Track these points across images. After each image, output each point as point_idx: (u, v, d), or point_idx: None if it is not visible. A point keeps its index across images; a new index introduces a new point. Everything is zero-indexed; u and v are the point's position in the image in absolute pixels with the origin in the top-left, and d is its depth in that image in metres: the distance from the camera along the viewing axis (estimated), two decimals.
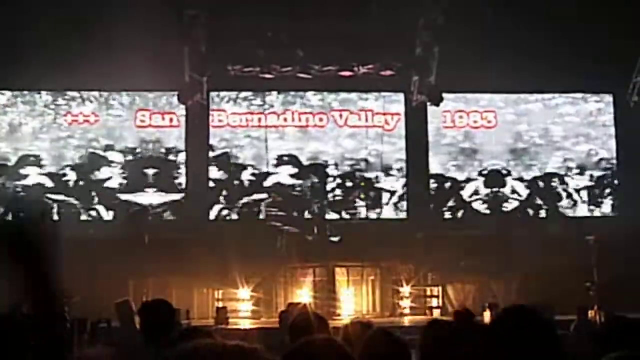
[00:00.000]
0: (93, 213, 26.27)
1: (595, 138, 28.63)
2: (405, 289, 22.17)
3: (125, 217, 25.63)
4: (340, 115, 27.75)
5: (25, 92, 26.83)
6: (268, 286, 22.03)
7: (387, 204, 27.32)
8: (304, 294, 21.58)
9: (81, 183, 26.56)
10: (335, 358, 2.42)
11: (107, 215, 26.23)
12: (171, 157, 27.09)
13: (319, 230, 24.47)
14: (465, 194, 27.73)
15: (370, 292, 21.96)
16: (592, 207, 28.11)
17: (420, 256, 22.72)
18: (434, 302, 22.47)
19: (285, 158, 27.27)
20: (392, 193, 27.46)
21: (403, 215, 27.16)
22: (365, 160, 27.46)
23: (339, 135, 27.68)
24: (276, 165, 27.21)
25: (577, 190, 28.19)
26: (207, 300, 20.21)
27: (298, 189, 27.02)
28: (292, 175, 27.15)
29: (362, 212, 26.87)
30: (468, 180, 27.84)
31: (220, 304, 20.25)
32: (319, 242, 23.51)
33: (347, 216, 26.69)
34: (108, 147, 26.88)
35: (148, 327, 6.05)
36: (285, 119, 27.55)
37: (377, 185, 27.38)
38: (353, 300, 21.57)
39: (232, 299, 21.44)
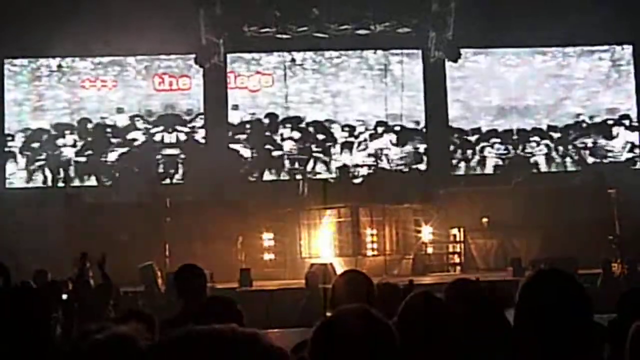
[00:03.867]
0: (115, 178, 26.36)
1: (615, 90, 28.43)
2: (427, 229, 22.24)
3: (146, 182, 25.70)
4: (358, 73, 27.76)
5: (43, 59, 26.86)
6: (291, 229, 22.11)
7: (407, 158, 27.36)
8: (327, 235, 21.77)
9: (101, 148, 26.66)
10: (371, 331, 2.42)
11: (130, 181, 26.30)
12: (190, 119, 27.12)
13: (342, 173, 24.60)
14: (486, 148, 27.70)
15: (393, 232, 22.00)
16: (613, 160, 27.96)
17: (442, 212, 22.67)
18: (456, 259, 22.44)
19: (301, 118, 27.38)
20: (415, 149, 27.49)
21: (423, 167, 27.23)
22: (385, 116, 27.45)
23: (358, 92, 27.67)
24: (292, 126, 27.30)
25: (597, 143, 28.06)
26: (230, 263, 20.23)
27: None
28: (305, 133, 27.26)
29: (384, 163, 26.99)
30: (488, 134, 27.78)
31: (244, 266, 20.31)
32: (341, 185, 23.60)
33: (370, 164, 26.97)
34: (125, 112, 26.93)
35: (182, 291, 6.12)
36: (302, 79, 27.54)
37: (395, 140, 27.40)
38: (376, 241, 21.63)
39: (256, 256, 21.51)
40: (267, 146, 27.14)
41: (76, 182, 26.13)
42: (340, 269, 19.61)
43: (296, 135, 27.27)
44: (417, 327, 3.36)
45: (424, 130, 27.53)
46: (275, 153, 27.15)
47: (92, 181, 26.34)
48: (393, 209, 22.20)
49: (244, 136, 27.13)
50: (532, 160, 27.71)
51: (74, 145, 26.65)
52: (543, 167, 27.73)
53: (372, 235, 21.67)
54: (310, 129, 27.37)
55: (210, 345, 1.59)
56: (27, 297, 4.32)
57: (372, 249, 21.58)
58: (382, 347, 2.40)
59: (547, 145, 27.92)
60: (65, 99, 26.88)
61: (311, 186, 23.48)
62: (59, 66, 26.95)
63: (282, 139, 27.24)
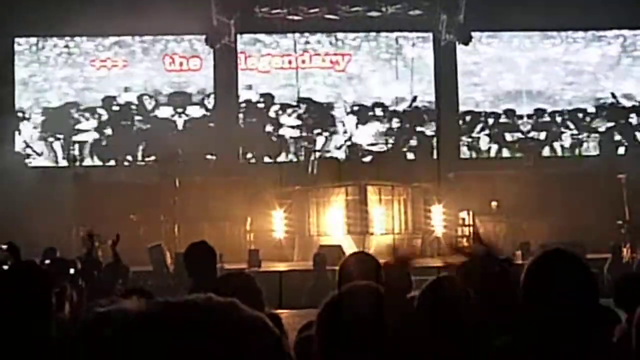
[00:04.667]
0: (125, 158, 26.41)
1: (628, 75, 28.32)
2: (438, 208, 22.28)
3: (155, 162, 25.73)
4: (373, 55, 27.76)
5: (53, 38, 26.88)
6: (300, 207, 22.15)
7: (417, 144, 27.35)
8: (336, 213, 21.79)
9: (110, 128, 26.71)
10: (378, 307, 2.41)
11: (138, 160, 26.36)
12: (200, 100, 27.13)
13: (351, 152, 24.59)
14: (496, 132, 27.66)
15: (402, 210, 22.00)
16: (622, 144, 27.88)
17: (451, 196, 22.65)
18: (465, 242, 22.40)
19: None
20: (422, 133, 27.45)
21: (433, 155, 27.17)
22: (395, 98, 27.44)
23: (368, 75, 27.66)
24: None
25: (607, 128, 27.98)
26: (239, 244, 20.29)
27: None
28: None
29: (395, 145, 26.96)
30: (498, 117, 27.74)
31: (253, 247, 20.32)
32: (350, 163, 23.60)
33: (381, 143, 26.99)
34: (134, 91, 26.95)
35: (191, 270, 6.11)
36: (314, 61, 27.53)
37: (405, 123, 27.39)
38: (384, 220, 21.66)
39: (265, 236, 21.53)
40: (275, 126, 27.13)
41: (87, 162, 26.14)
42: (349, 250, 19.66)
43: (304, 115, 27.26)
44: (431, 311, 3.36)
45: (436, 113, 27.46)
46: (284, 132, 27.15)
47: (103, 161, 26.36)
48: (402, 188, 22.21)
49: (254, 118, 27.11)
50: (542, 144, 27.61)
51: (84, 126, 26.69)
52: (553, 152, 27.63)
53: (380, 214, 21.69)
54: (318, 109, 27.36)
55: (184, 314, 1.56)
56: (28, 275, 4.34)
57: (381, 228, 21.58)
58: (390, 324, 2.40)
59: (558, 130, 27.84)
60: (75, 79, 26.87)
61: (320, 165, 23.50)
62: (67, 46, 26.97)
63: (292, 119, 27.23)
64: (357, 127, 27.25)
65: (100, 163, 26.26)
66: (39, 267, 5.56)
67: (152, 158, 25.50)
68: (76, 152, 26.18)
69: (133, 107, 26.87)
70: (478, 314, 3.40)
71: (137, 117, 26.81)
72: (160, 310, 1.57)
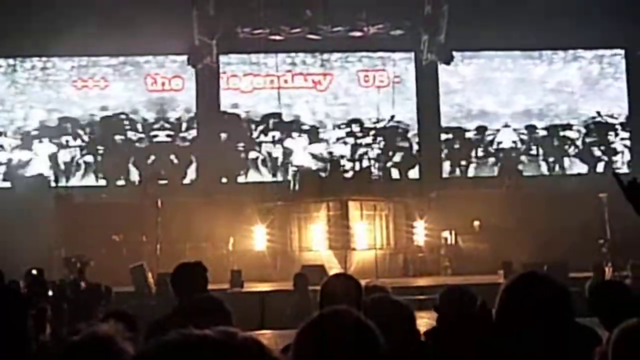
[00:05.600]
0: (106, 178, 26.35)
1: (605, 95, 28.53)
2: (420, 223, 22.35)
3: (137, 182, 25.69)
4: (355, 75, 27.86)
5: (34, 59, 26.84)
6: (283, 222, 22.15)
7: (399, 162, 27.43)
8: (318, 229, 21.80)
9: (94, 147, 26.66)
10: (355, 332, 2.41)
11: (119, 181, 26.31)
12: (182, 120, 27.13)
13: (333, 168, 24.63)
14: (477, 151, 27.78)
15: (384, 226, 22.00)
16: (603, 164, 28.05)
17: (433, 214, 22.69)
18: (447, 262, 22.40)
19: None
20: (407, 150, 27.54)
21: (415, 174, 27.24)
22: (377, 119, 27.54)
23: (351, 95, 27.76)
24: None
25: (589, 146, 28.15)
26: (222, 264, 20.21)
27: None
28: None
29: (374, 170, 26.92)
30: (479, 137, 27.86)
31: (236, 267, 20.28)
32: (332, 179, 23.64)
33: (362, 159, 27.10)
34: (117, 111, 26.92)
35: (180, 289, 6.00)
36: (296, 80, 27.61)
37: (389, 144, 27.47)
38: (367, 235, 21.65)
39: (248, 255, 21.51)
40: (257, 145, 27.18)
41: (67, 182, 26.06)
42: (330, 267, 19.67)
43: (285, 133, 27.36)
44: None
45: (417, 132, 27.57)
46: (266, 150, 27.21)
47: (86, 180, 26.29)
48: (384, 204, 22.24)
49: (236, 137, 27.14)
50: (523, 164, 27.73)
51: (65, 146, 26.64)
52: (534, 171, 27.75)
53: (362, 229, 21.69)
54: (298, 127, 27.48)
55: (203, 353, 1.56)
56: (1, 298, 4.34)
57: (362, 243, 21.59)
58: (365, 350, 2.39)
59: (539, 149, 27.98)
60: (55, 99, 26.82)
61: (302, 180, 23.50)
62: (45, 67, 26.94)
63: (273, 138, 27.29)
64: (337, 143, 27.32)
65: (82, 184, 26.15)
66: (13, 290, 5.54)
67: (135, 179, 25.48)
68: (58, 173, 26.10)
69: (114, 127, 26.81)
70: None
71: (118, 138, 26.74)
72: (175, 347, 1.57)
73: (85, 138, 26.72)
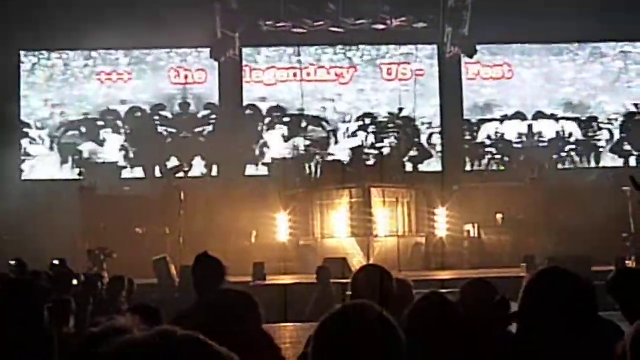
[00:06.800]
0: (130, 171, 26.45)
1: (632, 88, 28.35)
2: (442, 211, 22.32)
3: (161, 175, 25.78)
4: (377, 68, 27.81)
5: (60, 52, 26.97)
6: (305, 210, 22.17)
7: (422, 156, 27.36)
8: (340, 216, 21.80)
9: (116, 140, 26.77)
10: (375, 326, 2.41)
11: (143, 173, 26.40)
12: (205, 113, 27.18)
13: (355, 155, 24.63)
14: (500, 145, 27.67)
15: (406, 213, 21.97)
16: (627, 157, 27.89)
17: (456, 207, 22.64)
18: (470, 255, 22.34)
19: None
20: (430, 144, 27.48)
21: (439, 167, 27.15)
22: (400, 111, 27.48)
23: (373, 88, 27.71)
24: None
25: (613, 140, 27.98)
26: (244, 257, 20.22)
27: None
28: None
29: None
30: (503, 130, 27.76)
31: (258, 260, 20.29)
32: (354, 166, 23.62)
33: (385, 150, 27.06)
34: (141, 105, 27.01)
35: (199, 285, 5.98)
36: (319, 73, 27.59)
37: (413, 138, 27.42)
38: (389, 222, 21.62)
39: (271, 247, 21.53)
40: (279, 137, 27.20)
41: (92, 174, 26.18)
42: (353, 256, 19.71)
43: (309, 125, 27.35)
44: (426, 331, 3.35)
45: (440, 126, 27.49)
46: (289, 141, 27.23)
47: (107, 173, 26.40)
48: (406, 191, 22.22)
49: (258, 129, 27.16)
50: (548, 157, 27.59)
51: (91, 138, 26.79)
52: (559, 165, 27.60)
53: (384, 216, 21.67)
54: (321, 120, 27.46)
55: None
56: (16, 291, 4.38)
57: (385, 230, 21.58)
58: (385, 345, 2.39)
59: (564, 143, 27.84)
60: (81, 92, 26.97)
61: (324, 168, 23.52)
62: (71, 60, 27.10)
63: (299, 130, 27.30)
64: (361, 134, 27.30)
65: (105, 176, 26.26)
66: (27, 282, 5.56)
67: (158, 172, 25.58)
68: (82, 165, 26.23)
69: (138, 120, 26.90)
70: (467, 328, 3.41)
71: (143, 131, 26.82)
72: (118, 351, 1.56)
73: (109, 131, 26.84)
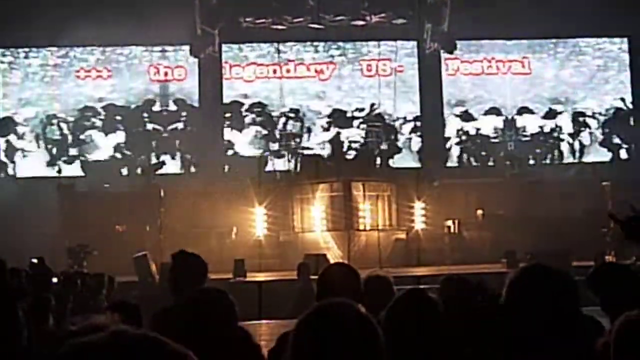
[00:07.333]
0: (110, 168, 26.34)
1: (610, 83, 28.47)
2: (418, 204, 22.36)
3: (140, 172, 25.68)
4: (357, 64, 27.82)
5: (38, 49, 26.83)
6: (284, 204, 22.16)
7: (401, 150, 27.40)
8: (319, 210, 21.76)
9: (96, 138, 26.66)
10: (354, 324, 2.40)
11: (124, 170, 26.30)
12: (184, 109, 27.11)
13: (335, 148, 24.62)
14: (480, 140, 27.74)
15: (386, 207, 21.99)
16: (608, 152, 28.02)
17: (436, 203, 22.66)
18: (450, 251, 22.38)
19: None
20: (408, 140, 27.51)
21: (415, 163, 27.17)
22: (378, 108, 27.50)
23: (352, 84, 27.72)
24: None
25: (593, 135, 28.10)
26: (224, 254, 20.17)
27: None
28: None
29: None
30: (482, 126, 27.83)
31: (238, 256, 20.25)
32: (334, 160, 23.61)
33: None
34: (119, 102, 26.92)
35: (178, 278, 5.86)
36: (298, 70, 27.58)
37: (390, 134, 27.43)
38: (370, 216, 21.64)
39: (251, 243, 21.50)
40: (258, 132, 27.16)
41: (73, 171, 26.08)
42: (333, 249, 19.72)
43: (288, 121, 27.36)
44: (405, 326, 3.34)
45: (419, 121, 27.52)
46: (267, 137, 27.22)
47: (88, 170, 26.29)
48: (386, 184, 22.23)
49: (238, 125, 27.11)
50: (529, 152, 27.67)
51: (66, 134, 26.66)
52: (539, 160, 27.70)
53: (365, 210, 21.66)
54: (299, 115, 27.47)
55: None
56: None
57: (365, 224, 21.58)
58: (363, 343, 2.38)
59: (542, 138, 27.93)
60: (59, 90, 26.83)
61: (303, 162, 23.50)
62: (50, 57, 26.96)
63: (280, 125, 27.29)
64: (340, 129, 27.31)
65: (85, 173, 26.16)
66: (1, 282, 5.53)
67: (138, 168, 25.50)
68: (62, 162, 26.14)
69: (117, 117, 26.78)
70: (448, 324, 3.41)
71: (121, 127, 26.73)
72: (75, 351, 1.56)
73: (88, 128, 26.73)
